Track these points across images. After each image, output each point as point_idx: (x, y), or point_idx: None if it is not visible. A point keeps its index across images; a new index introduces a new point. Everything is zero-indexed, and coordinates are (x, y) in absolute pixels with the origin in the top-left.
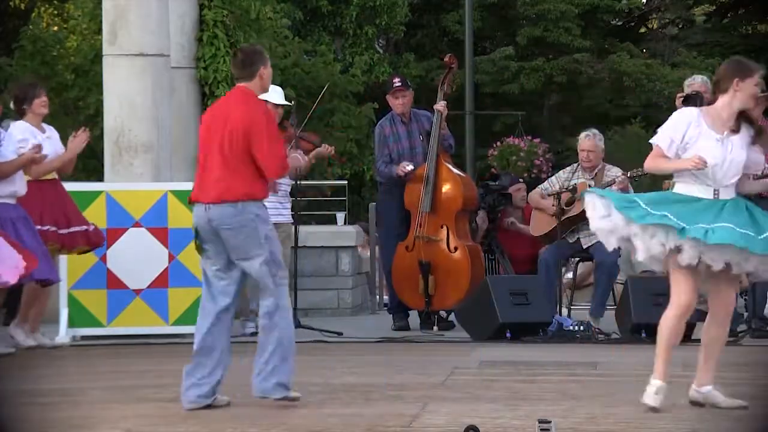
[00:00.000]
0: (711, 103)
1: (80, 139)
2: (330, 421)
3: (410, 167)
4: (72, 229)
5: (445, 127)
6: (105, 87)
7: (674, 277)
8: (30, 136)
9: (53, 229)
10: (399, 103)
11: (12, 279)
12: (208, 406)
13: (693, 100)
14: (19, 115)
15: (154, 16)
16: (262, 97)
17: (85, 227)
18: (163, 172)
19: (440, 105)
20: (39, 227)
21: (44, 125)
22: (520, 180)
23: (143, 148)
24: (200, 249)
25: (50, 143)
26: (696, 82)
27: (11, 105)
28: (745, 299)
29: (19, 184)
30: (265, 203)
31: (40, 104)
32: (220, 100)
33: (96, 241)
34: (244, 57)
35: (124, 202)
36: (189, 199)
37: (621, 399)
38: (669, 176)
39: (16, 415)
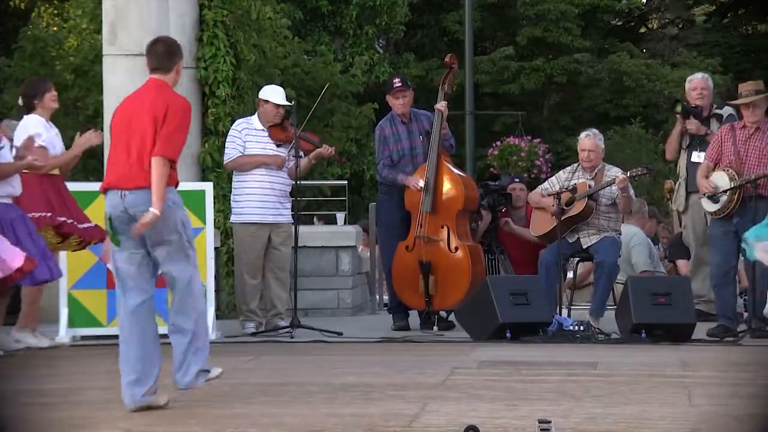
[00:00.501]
0: (710, 111)
1: (89, 137)
2: (330, 421)
3: (421, 184)
4: (85, 225)
5: (446, 126)
6: (105, 87)
7: None
8: (44, 130)
9: (71, 220)
10: (399, 103)
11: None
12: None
13: (688, 111)
14: (28, 110)
15: (154, 16)
16: (264, 97)
17: (95, 223)
18: None
19: (441, 105)
20: (62, 218)
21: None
22: (517, 180)
23: None
24: (115, 239)
25: (58, 139)
26: (696, 78)
27: (20, 102)
28: (745, 299)
29: (16, 185)
30: (266, 203)
31: (51, 99)
32: (135, 93)
33: (93, 236)
34: (167, 48)
35: None
36: (102, 189)
37: (621, 399)
38: (669, 176)
39: (16, 415)
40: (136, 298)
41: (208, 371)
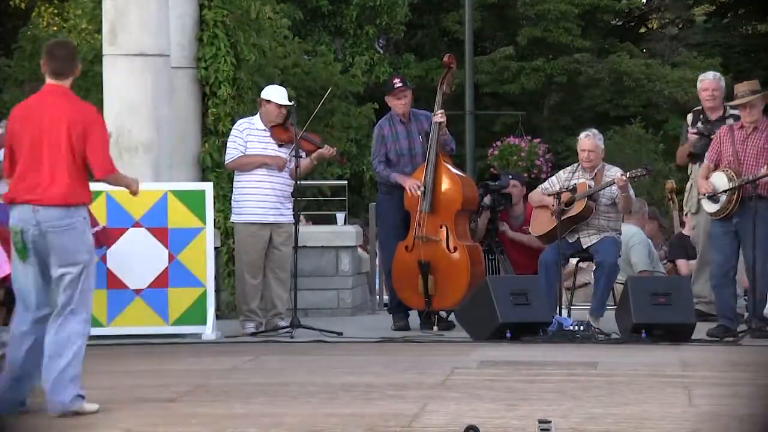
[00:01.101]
0: (725, 112)
1: None
2: (330, 421)
3: (419, 191)
4: None
5: (445, 132)
6: (105, 87)
7: None
8: None
9: None
10: (401, 103)
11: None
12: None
13: (702, 147)
14: None
15: (154, 16)
16: (266, 97)
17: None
18: (163, 172)
19: (438, 116)
20: None
21: None
22: (510, 177)
23: (143, 148)
24: (23, 254)
25: None
26: (707, 79)
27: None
28: (745, 299)
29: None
30: (266, 203)
31: None
32: (35, 98)
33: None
34: (69, 52)
35: (124, 202)
36: (7, 199)
37: (621, 399)
38: (669, 176)
39: (17, 416)
40: (36, 313)
41: (83, 398)
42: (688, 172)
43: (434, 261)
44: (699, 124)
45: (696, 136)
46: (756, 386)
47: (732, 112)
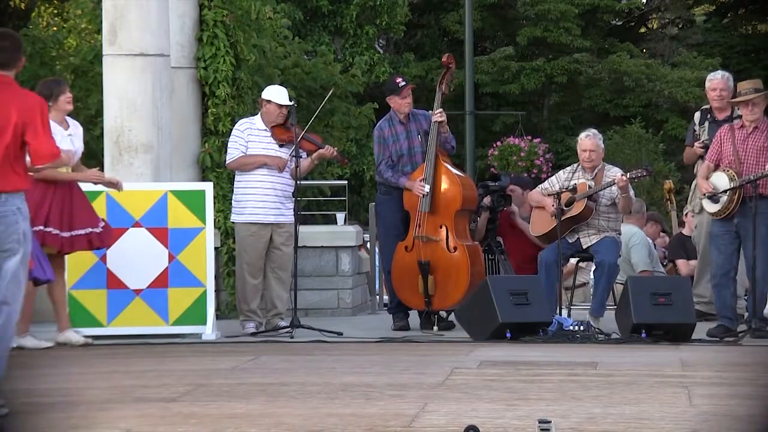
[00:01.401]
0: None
1: (98, 176)
2: (330, 421)
3: (427, 189)
4: (74, 233)
5: (446, 131)
6: (105, 87)
7: None
8: (57, 134)
9: (55, 231)
10: (407, 102)
11: None
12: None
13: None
14: None
15: (154, 16)
16: (267, 97)
17: (89, 229)
18: (163, 172)
19: (437, 115)
20: (41, 228)
21: (68, 119)
22: (511, 180)
23: (143, 148)
24: None
25: (72, 141)
26: (716, 78)
27: None
28: (745, 299)
29: None
30: (267, 203)
31: (66, 100)
32: None
33: (98, 244)
34: (14, 43)
35: (124, 202)
36: None
37: (621, 399)
38: (669, 176)
39: (16, 415)
40: None
41: None
42: (694, 171)
43: (434, 261)
44: (705, 138)
45: (702, 150)
46: (756, 386)
47: (739, 112)
